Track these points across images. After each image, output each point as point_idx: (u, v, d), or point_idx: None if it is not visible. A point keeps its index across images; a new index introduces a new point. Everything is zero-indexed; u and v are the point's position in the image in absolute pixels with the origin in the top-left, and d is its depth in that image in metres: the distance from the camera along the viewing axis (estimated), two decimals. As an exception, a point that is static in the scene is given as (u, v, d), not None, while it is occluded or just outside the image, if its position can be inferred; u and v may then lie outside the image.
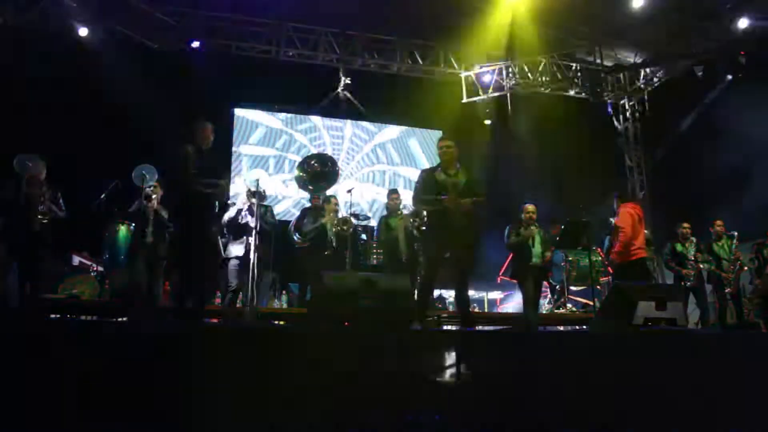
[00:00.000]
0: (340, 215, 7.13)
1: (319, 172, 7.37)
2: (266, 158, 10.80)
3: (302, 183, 7.45)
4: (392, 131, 11.75)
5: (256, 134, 10.89)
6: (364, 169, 11.39)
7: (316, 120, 11.30)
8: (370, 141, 11.56)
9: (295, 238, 7.13)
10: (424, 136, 11.81)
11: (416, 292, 5.38)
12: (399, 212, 7.19)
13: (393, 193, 7.49)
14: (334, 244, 6.82)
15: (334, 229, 6.88)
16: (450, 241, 4.95)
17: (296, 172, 7.48)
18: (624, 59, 10.93)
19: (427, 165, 11.63)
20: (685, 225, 7.54)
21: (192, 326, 4.13)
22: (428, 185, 4.99)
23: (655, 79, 11.48)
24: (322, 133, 11.31)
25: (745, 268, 7.51)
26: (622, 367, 3.39)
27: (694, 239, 7.45)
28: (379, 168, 11.48)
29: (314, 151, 10.71)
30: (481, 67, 10.83)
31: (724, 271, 7.36)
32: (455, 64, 10.90)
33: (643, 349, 3.62)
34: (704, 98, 10.09)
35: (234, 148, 10.60)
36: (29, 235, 5.46)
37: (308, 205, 7.57)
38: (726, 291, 7.34)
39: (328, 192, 7.20)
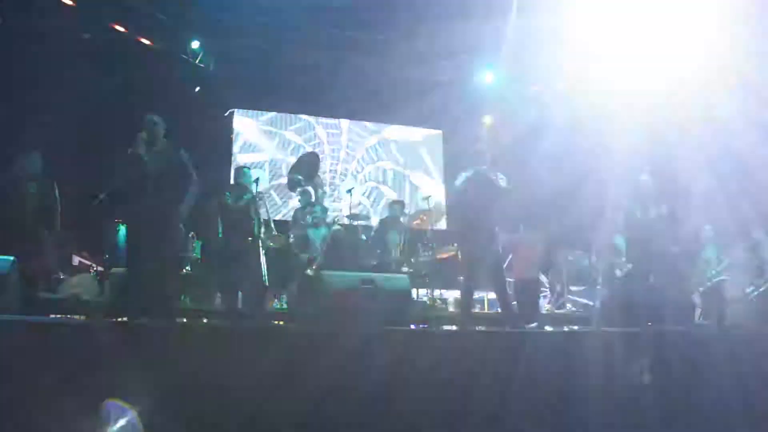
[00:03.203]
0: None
1: (306, 172, 7.50)
2: (268, 160, 10.80)
3: (292, 185, 7.55)
4: (392, 131, 11.73)
5: (256, 135, 10.87)
6: (366, 169, 11.38)
7: (313, 120, 11.26)
8: (369, 141, 11.54)
9: (290, 239, 7.13)
10: (425, 136, 11.82)
11: (460, 295, 5.51)
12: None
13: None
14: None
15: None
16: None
17: (289, 175, 7.62)
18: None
19: (428, 163, 11.75)
20: None
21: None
22: None
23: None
24: (318, 131, 11.27)
25: (725, 276, 7.39)
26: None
27: None
28: (378, 167, 11.48)
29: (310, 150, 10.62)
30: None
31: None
32: (455, 64, 10.88)
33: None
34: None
35: (234, 149, 10.58)
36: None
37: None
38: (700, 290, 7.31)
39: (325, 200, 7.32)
